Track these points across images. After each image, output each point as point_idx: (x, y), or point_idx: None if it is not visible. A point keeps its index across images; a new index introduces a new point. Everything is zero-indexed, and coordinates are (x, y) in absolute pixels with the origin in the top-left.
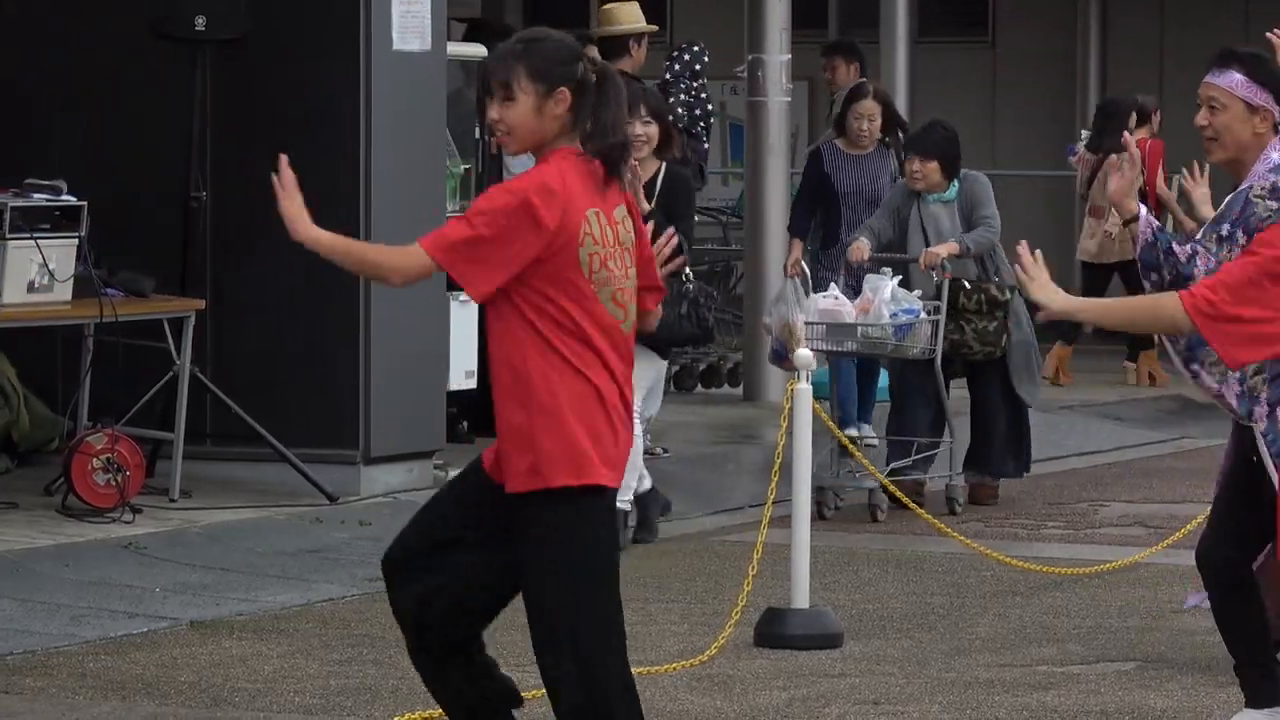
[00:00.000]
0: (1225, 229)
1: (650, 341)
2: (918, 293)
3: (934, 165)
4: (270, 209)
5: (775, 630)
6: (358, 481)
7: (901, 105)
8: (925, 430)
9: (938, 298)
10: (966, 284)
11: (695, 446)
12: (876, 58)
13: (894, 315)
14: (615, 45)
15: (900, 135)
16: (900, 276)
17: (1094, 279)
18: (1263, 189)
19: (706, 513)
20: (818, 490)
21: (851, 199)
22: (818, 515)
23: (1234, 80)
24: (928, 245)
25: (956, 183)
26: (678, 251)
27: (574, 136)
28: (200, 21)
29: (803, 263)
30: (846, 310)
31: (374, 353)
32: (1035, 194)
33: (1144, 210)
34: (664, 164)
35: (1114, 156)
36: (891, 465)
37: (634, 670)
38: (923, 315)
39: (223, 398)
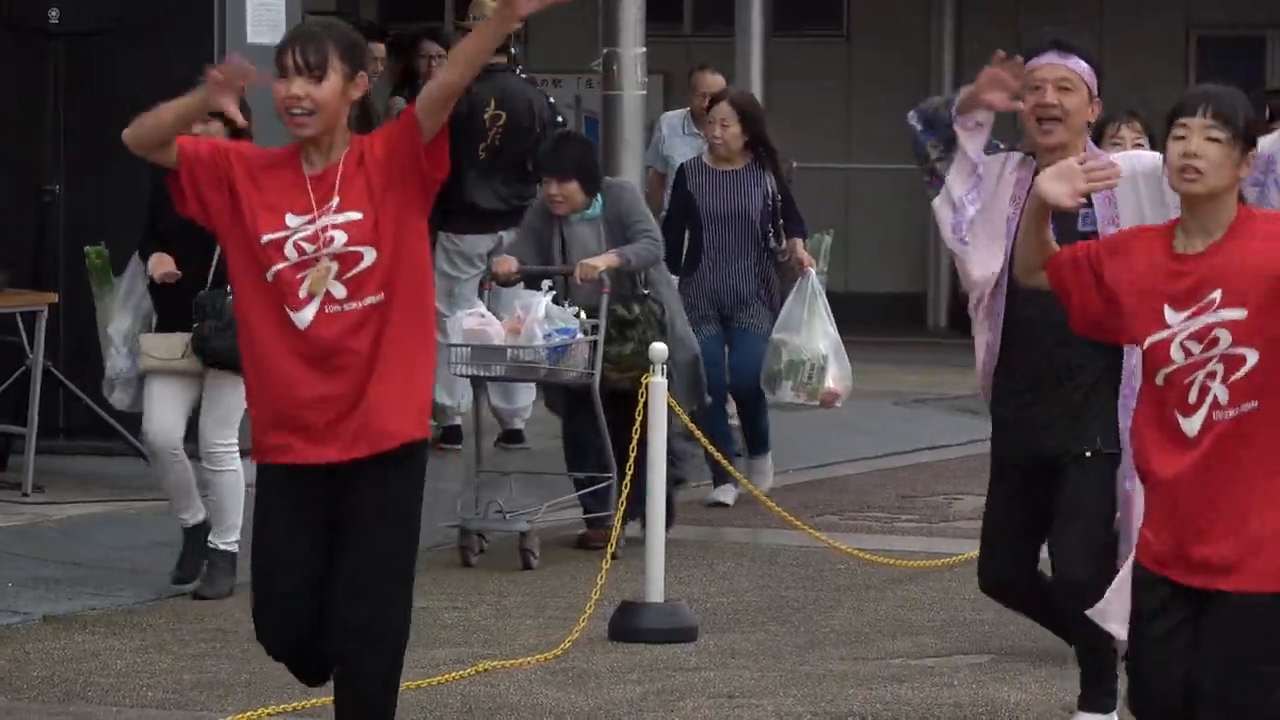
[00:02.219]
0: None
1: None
2: (573, 310)
3: (573, 186)
4: (124, 202)
5: (629, 624)
6: None
7: (758, 100)
8: (593, 465)
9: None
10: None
11: (554, 441)
12: (731, 53)
13: (548, 336)
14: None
15: (765, 150)
16: (554, 293)
17: None
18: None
19: (562, 507)
20: (462, 534)
21: (718, 220)
22: (463, 562)
23: (1081, 66)
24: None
25: (600, 197)
26: None
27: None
28: (54, 14)
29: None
30: (495, 330)
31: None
32: (891, 187)
33: None
34: None
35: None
36: (587, 516)
37: (489, 664)
38: (580, 335)
39: (76, 392)
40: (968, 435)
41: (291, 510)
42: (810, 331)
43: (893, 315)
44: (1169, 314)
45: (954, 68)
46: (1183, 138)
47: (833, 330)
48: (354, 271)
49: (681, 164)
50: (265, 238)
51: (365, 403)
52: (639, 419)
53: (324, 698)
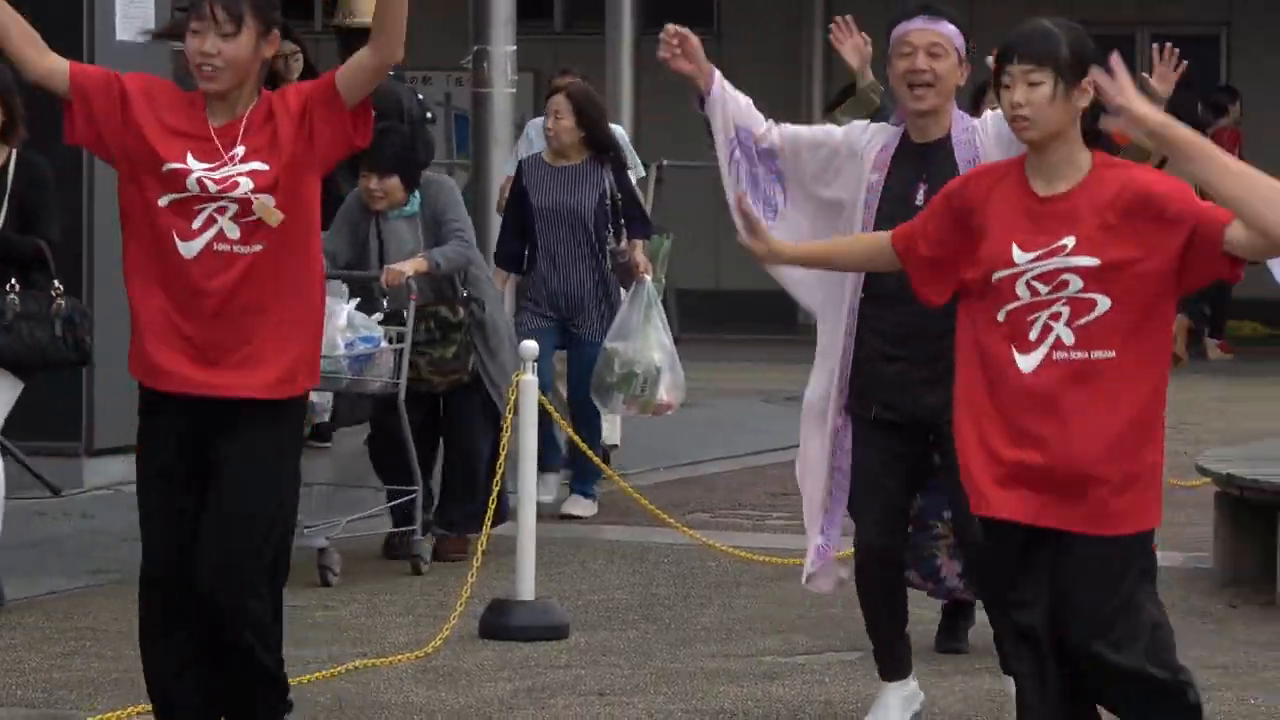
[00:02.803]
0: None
1: (13, 363)
2: (377, 317)
3: (394, 181)
4: None
5: (500, 622)
6: (81, 473)
7: (627, 99)
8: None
9: (402, 322)
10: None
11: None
12: (601, 51)
13: (350, 344)
14: (362, 37)
15: (603, 146)
16: (359, 299)
17: None
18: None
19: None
20: (320, 553)
21: (549, 218)
22: (322, 582)
23: (949, 29)
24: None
25: (418, 193)
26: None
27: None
28: None
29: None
30: None
31: (96, 343)
32: None
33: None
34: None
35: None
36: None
37: (360, 662)
38: (384, 344)
39: None
40: None
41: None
42: (644, 341)
43: (763, 313)
44: (1016, 253)
45: (824, 66)
46: (1008, 86)
47: (668, 340)
48: (252, 217)
49: (520, 160)
50: (168, 166)
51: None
52: (510, 417)
53: None
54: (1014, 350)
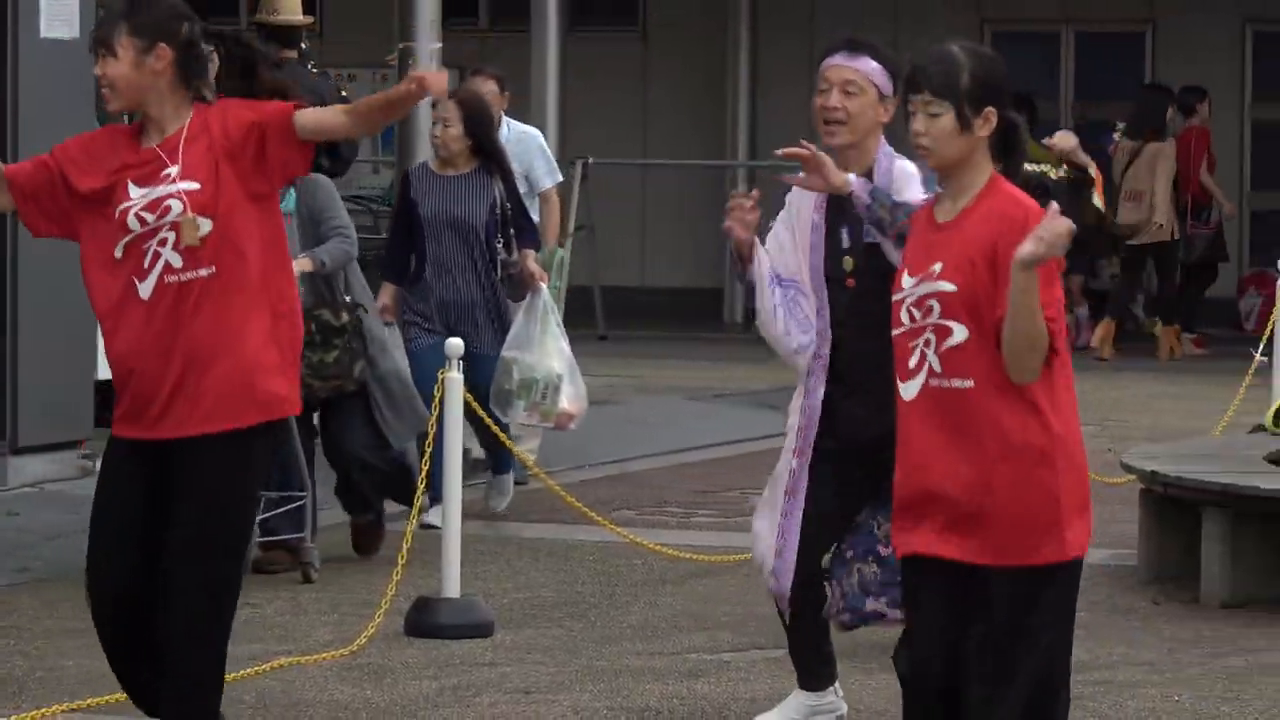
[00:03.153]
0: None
1: None
2: None
3: None
4: None
5: (426, 619)
6: (4, 471)
7: (553, 96)
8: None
9: None
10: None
11: None
12: (527, 49)
13: None
14: (285, 33)
15: (492, 154)
16: None
17: (1131, 258)
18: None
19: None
20: (298, 550)
21: (438, 229)
22: (304, 579)
23: (870, 66)
24: None
25: (293, 190)
26: None
27: (187, 96)
28: None
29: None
30: None
31: (21, 340)
32: (688, 183)
33: (852, 177)
34: None
35: (1153, 144)
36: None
37: (284, 660)
38: None
39: None
40: (764, 430)
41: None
42: (543, 350)
43: (689, 311)
44: (905, 278)
45: (749, 65)
46: (913, 114)
47: (566, 348)
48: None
49: (407, 169)
50: (119, 208)
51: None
52: (436, 413)
53: (117, 694)
54: (898, 379)
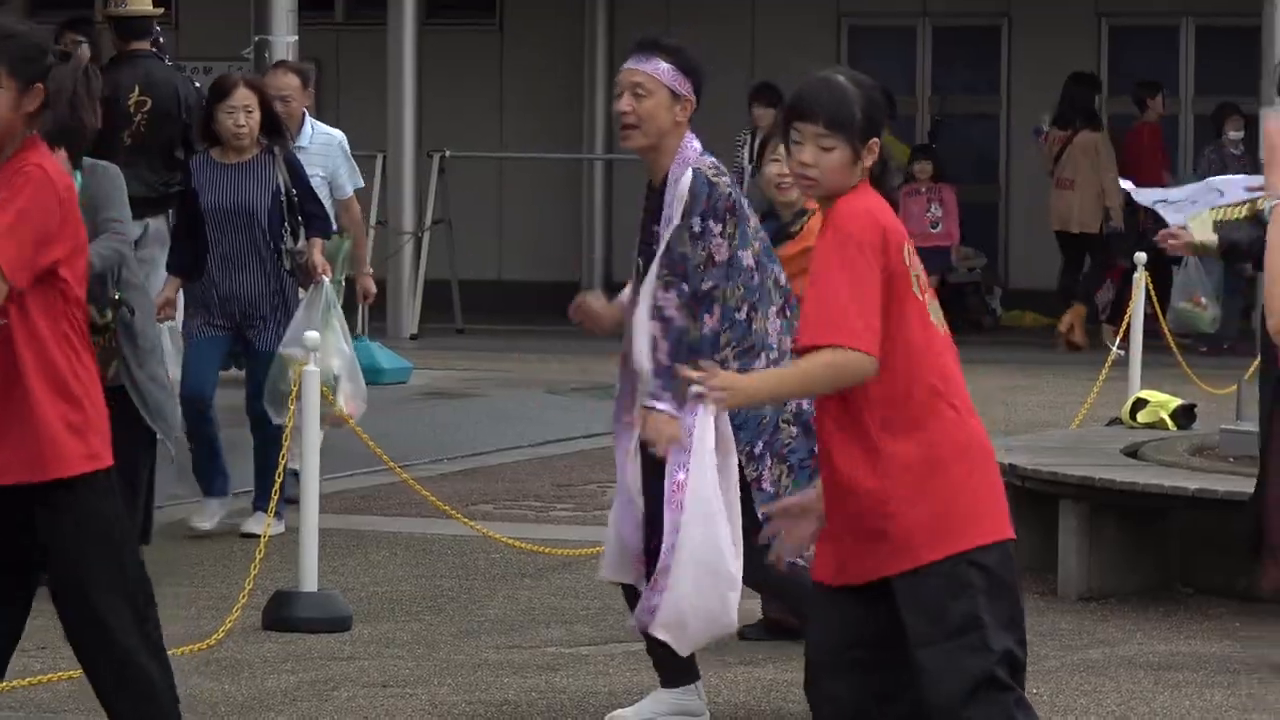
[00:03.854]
0: (696, 224)
1: None
2: None
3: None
4: None
5: (283, 613)
6: None
7: (409, 89)
8: None
9: None
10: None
11: None
12: (383, 41)
13: None
14: (136, 24)
15: (276, 139)
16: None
17: (1068, 247)
18: (711, 168)
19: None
20: None
21: (220, 219)
22: None
23: (660, 68)
24: None
25: (79, 174)
26: None
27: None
28: None
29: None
30: None
31: None
32: (545, 176)
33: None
34: None
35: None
36: None
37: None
38: None
39: None
40: None
41: None
42: (323, 347)
43: (546, 304)
44: None
45: (606, 58)
46: (798, 143)
47: (347, 346)
48: None
49: (187, 160)
50: None
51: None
52: (293, 407)
53: None
54: None
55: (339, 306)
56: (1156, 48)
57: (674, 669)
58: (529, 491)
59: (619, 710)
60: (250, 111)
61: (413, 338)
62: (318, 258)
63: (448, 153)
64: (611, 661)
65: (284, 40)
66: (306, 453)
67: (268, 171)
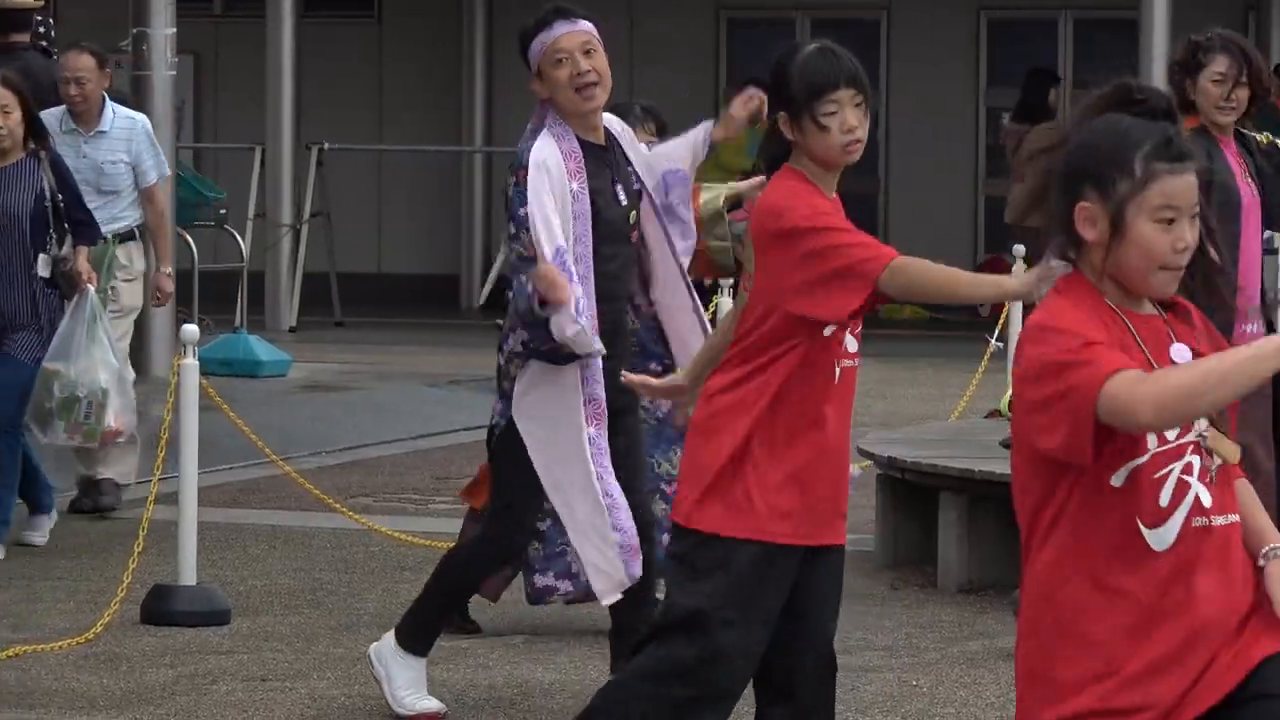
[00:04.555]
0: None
1: None
2: None
3: None
4: None
5: (162, 607)
6: None
7: (288, 82)
8: None
9: None
10: None
11: None
12: (262, 33)
13: None
14: (15, 16)
15: (39, 140)
16: None
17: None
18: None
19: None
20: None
21: None
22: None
23: (590, 26)
24: None
25: None
26: None
27: None
28: None
29: None
30: None
31: None
32: (424, 169)
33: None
34: None
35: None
36: None
37: (19, 648)
38: None
39: None
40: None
41: None
42: (89, 360)
43: (426, 297)
44: None
45: (485, 51)
46: (833, 113)
47: (114, 359)
48: None
49: None
50: None
51: None
52: (172, 399)
53: None
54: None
55: (105, 317)
56: (1036, 40)
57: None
58: (408, 484)
59: None
60: (8, 112)
61: (291, 330)
62: (83, 265)
63: (326, 145)
64: (492, 654)
65: (162, 32)
66: (184, 445)
67: (32, 174)
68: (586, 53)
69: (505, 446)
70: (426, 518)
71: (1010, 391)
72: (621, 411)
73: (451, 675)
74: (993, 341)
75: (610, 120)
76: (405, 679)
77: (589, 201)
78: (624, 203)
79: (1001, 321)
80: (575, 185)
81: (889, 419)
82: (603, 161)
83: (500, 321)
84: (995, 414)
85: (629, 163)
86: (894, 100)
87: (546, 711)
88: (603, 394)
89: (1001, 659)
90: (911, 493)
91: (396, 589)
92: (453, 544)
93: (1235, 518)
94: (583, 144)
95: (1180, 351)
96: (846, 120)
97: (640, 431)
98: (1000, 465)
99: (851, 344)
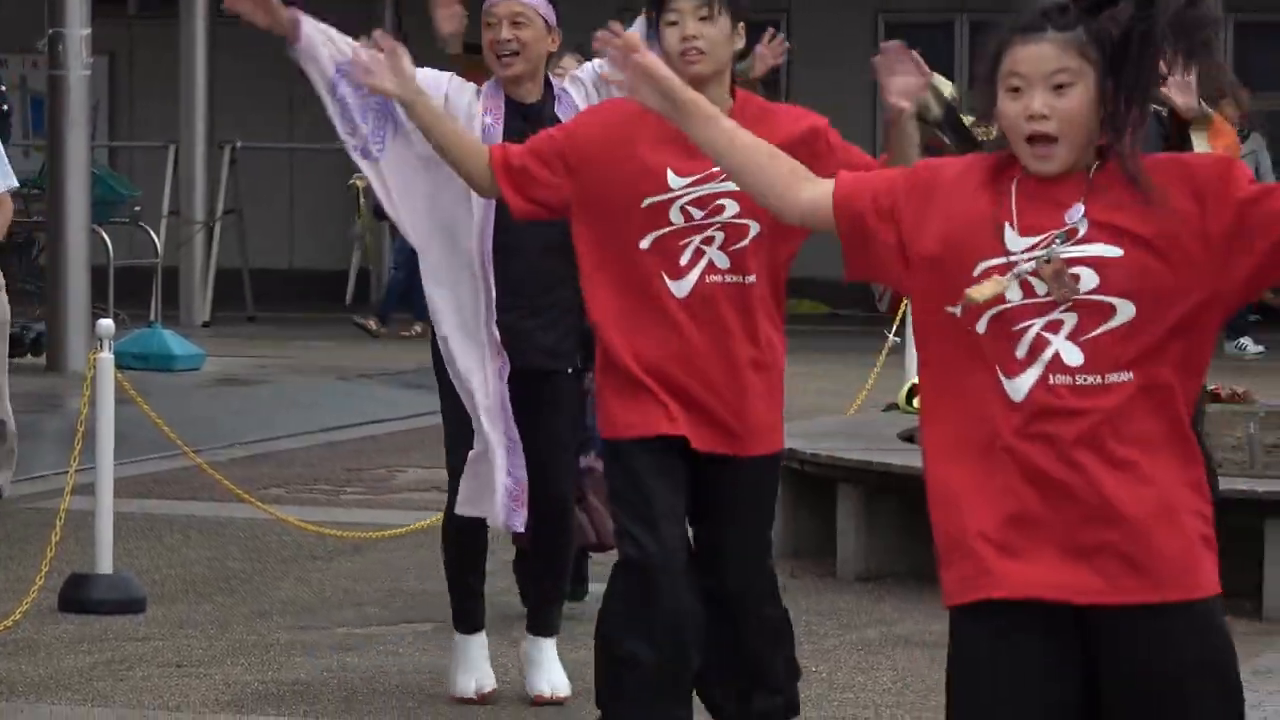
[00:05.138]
0: None
1: None
2: None
3: None
4: None
5: (79, 595)
6: None
7: (201, 80)
8: None
9: None
10: None
11: None
12: (176, 34)
13: None
14: None
15: None
16: None
17: None
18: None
19: (9, 480)
20: None
21: None
22: None
23: (535, 0)
24: None
25: None
26: None
27: None
28: None
29: None
30: None
31: None
32: (335, 167)
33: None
34: None
35: None
36: None
37: None
38: None
39: None
40: (411, 409)
41: None
42: None
43: (337, 293)
44: (671, 177)
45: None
46: (674, 23)
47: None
48: None
49: None
50: None
51: None
52: (87, 393)
53: None
54: (665, 279)
55: None
56: (934, 42)
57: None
58: (319, 476)
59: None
60: None
61: (205, 325)
62: None
63: (239, 144)
64: (401, 641)
65: (77, 33)
66: (100, 438)
67: None
68: (515, 23)
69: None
70: (337, 508)
71: (908, 385)
72: (550, 373)
73: (363, 661)
74: (890, 336)
75: (569, 85)
76: None
77: (500, 135)
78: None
79: (899, 317)
80: (488, 119)
81: (788, 412)
82: (522, 115)
83: (361, 320)
84: (893, 407)
85: (556, 120)
86: (795, 98)
87: (532, 695)
88: (496, 333)
89: (898, 645)
90: (810, 484)
91: (308, 577)
92: (362, 534)
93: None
94: (509, 100)
95: (1072, 213)
96: (685, 29)
97: (561, 404)
98: (897, 457)
99: (716, 261)
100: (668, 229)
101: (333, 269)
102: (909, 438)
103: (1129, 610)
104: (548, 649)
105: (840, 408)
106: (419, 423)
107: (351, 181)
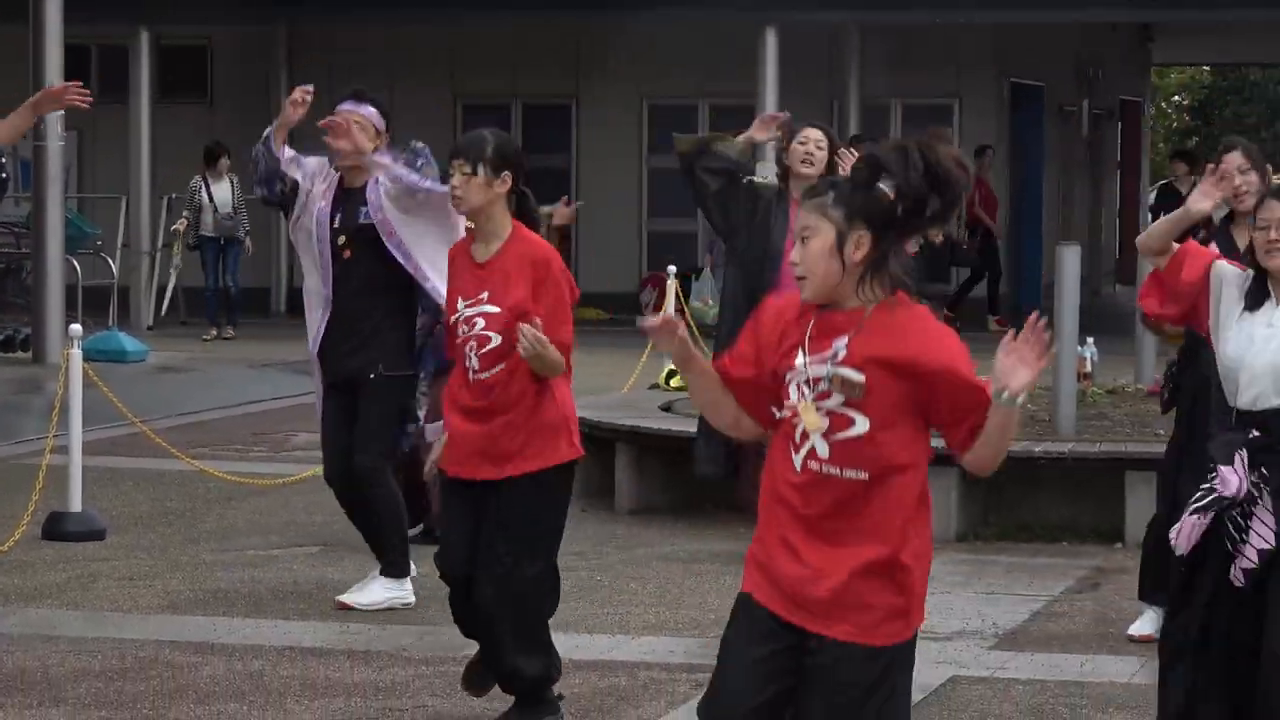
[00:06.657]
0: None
1: None
2: None
3: None
4: None
5: (57, 528)
6: None
7: (144, 149)
8: None
9: None
10: None
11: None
12: (126, 114)
13: None
14: None
15: None
16: None
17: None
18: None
19: (3, 444)
20: None
21: None
22: None
23: (370, 111)
24: None
25: None
26: None
27: None
28: None
29: None
30: None
31: None
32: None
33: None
34: None
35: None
36: None
37: None
38: None
39: None
40: (300, 389)
41: None
42: None
43: (247, 304)
44: (460, 303)
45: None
46: (452, 174)
47: None
48: None
49: None
50: None
51: None
52: (63, 385)
53: None
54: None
55: None
56: (689, 120)
57: (401, 563)
58: (234, 439)
59: (344, 595)
60: None
61: (149, 328)
62: None
63: (174, 195)
64: (296, 560)
65: (54, 115)
66: (72, 411)
67: None
68: (359, 123)
69: None
70: (245, 462)
71: (666, 369)
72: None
73: (267, 575)
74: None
75: (384, 183)
76: None
77: (328, 222)
78: (336, 226)
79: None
80: (322, 204)
81: (577, 390)
82: (347, 202)
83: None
84: (655, 386)
85: (365, 203)
86: (583, 161)
87: (334, 600)
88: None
89: (661, 561)
90: (596, 443)
91: (226, 514)
92: (266, 481)
93: (862, 475)
94: (341, 182)
95: (837, 343)
96: (453, 182)
97: (368, 405)
98: (659, 423)
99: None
100: None
101: (244, 286)
102: (667, 408)
103: None
104: (372, 573)
105: (618, 386)
106: (306, 400)
107: (174, 227)
